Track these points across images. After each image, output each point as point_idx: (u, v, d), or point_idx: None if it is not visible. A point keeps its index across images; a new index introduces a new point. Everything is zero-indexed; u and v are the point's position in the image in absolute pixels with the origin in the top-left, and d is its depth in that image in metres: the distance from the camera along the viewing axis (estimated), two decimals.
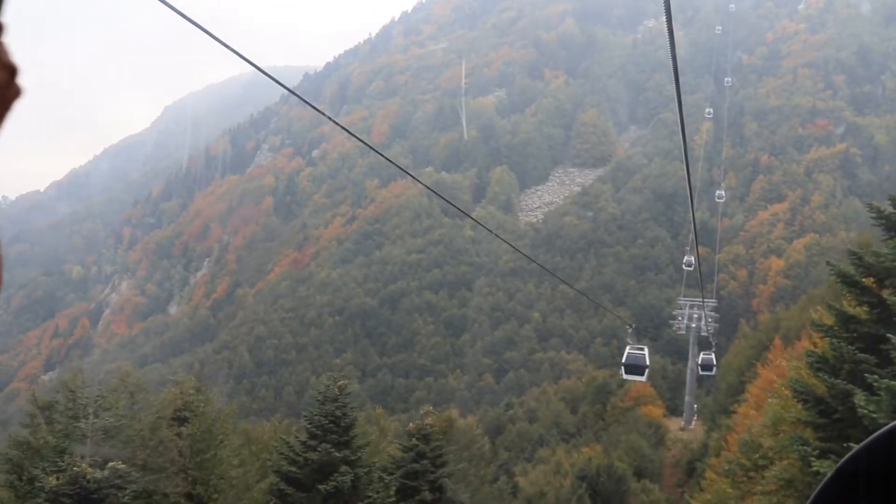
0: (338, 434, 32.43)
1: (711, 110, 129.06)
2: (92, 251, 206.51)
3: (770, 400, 35.18)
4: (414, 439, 37.03)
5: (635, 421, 61.26)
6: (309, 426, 32.89)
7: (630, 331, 45.42)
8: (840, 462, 2.14)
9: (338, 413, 33.31)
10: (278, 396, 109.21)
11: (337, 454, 31.60)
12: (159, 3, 7.18)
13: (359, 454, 33.09)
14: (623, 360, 39.84)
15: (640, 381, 42.84)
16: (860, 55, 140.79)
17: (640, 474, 53.42)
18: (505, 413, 75.74)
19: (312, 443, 32.18)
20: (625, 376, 41.42)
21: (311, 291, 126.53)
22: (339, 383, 35.73)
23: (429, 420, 39.26)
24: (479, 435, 51.57)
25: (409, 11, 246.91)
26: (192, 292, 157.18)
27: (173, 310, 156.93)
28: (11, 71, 1.46)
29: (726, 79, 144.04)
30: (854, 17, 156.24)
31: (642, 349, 40.70)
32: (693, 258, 76.18)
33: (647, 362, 39.63)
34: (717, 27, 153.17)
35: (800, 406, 26.02)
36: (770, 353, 50.77)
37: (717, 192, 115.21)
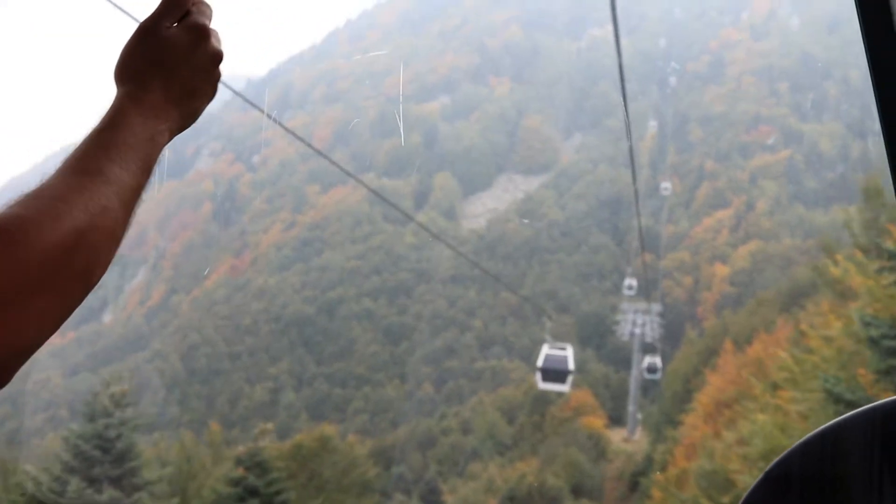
0: (109, 464, 22.22)
1: (656, 123, 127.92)
2: None
3: (758, 416, 30.57)
4: (242, 469, 28.61)
5: (574, 433, 58.51)
6: (64, 453, 21.49)
7: (548, 325, 36.61)
8: (769, 465, 2.09)
9: (110, 434, 23.36)
10: (211, 406, 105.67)
11: (98, 496, 21.13)
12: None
13: (138, 495, 22.66)
14: (539, 364, 32.71)
15: (564, 390, 34.86)
16: (803, 63, 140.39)
17: (578, 491, 50.64)
18: (438, 424, 72.57)
19: (66, 477, 21.02)
20: (541, 384, 33.66)
21: (248, 298, 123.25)
22: (113, 390, 26.21)
23: (265, 443, 30.39)
24: (363, 457, 44.94)
25: (354, 19, 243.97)
26: (126, 300, 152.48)
27: (107, 318, 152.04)
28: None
29: (670, 71, 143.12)
30: (797, 26, 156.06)
31: (564, 349, 33.72)
32: (633, 281, 74.49)
33: (571, 366, 32.81)
34: (660, 44, 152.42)
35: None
36: (720, 358, 48.39)
37: (663, 184, 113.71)
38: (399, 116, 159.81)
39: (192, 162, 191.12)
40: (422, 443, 65.32)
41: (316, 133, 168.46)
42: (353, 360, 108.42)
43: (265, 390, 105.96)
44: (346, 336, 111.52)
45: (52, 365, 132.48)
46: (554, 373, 31.87)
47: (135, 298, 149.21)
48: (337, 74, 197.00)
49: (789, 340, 42.26)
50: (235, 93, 11.32)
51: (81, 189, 1.80)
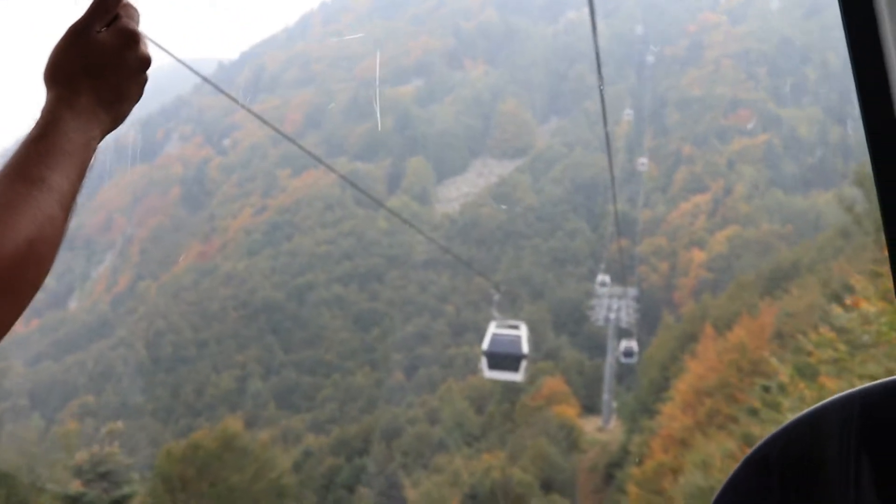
0: None
1: (632, 111, 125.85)
2: None
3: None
4: (79, 482, 23.07)
5: (546, 422, 55.87)
6: None
7: (496, 298, 25.55)
8: (753, 447, 2.14)
9: None
10: (176, 396, 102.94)
11: None
12: None
13: None
14: (484, 347, 25.97)
15: (516, 379, 25.94)
16: (781, 47, 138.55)
17: (548, 485, 48.08)
18: (405, 413, 69.91)
19: None
20: (487, 373, 25.93)
21: (216, 284, 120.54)
22: None
23: (112, 448, 24.16)
24: (272, 458, 40.11)
25: (329, 1, 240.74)
26: (92, 286, 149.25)
27: (73, 304, 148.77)
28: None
29: (648, 55, 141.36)
30: (775, 10, 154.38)
31: (517, 328, 25.92)
32: (607, 278, 72.17)
33: (525, 348, 25.52)
34: (638, 28, 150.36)
35: None
36: (700, 344, 45.90)
37: (640, 160, 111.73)
38: (376, 100, 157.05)
39: (161, 145, 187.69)
40: (387, 433, 62.85)
41: (288, 116, 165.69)
42: (323, 347, 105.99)
43: (232, 378, 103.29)
44: (315, 323, 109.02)
45: (15, 353, 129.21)
46: (503, 358, 24.59)
47: (101, 285, 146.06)
48: (310, 57, 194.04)
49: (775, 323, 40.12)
50: (203, 78, 10.07)
51: (28, 198, 1.84)
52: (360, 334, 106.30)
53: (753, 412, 31.33)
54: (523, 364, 22.03)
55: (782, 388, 22.41)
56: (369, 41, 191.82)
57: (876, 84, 2.12)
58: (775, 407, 23.35)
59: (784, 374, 20.68)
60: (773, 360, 23.38)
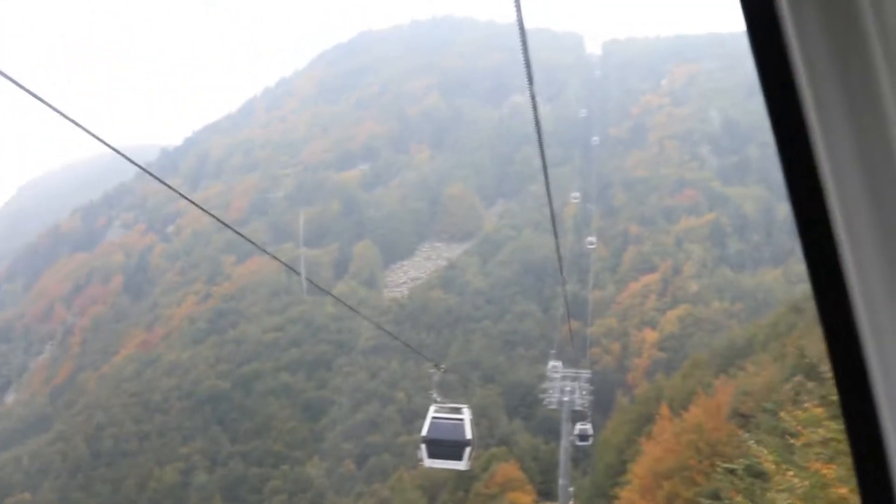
0: None
1: (578, 193, 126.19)
2: None
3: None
4: None
5: None
6: None
7: (437, 379, 23.07)
8: None
9: None
10: (117, 491, 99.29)
11: None
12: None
13: None
14: (423, 433, 23.66)
15: (460, 468, 23.56)
16: (724, 127, 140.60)
17: None
18: None
19: None
20: (427, 461, 23.11)
21: (159, 374, 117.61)
22: None
23: None
24: None
25: (273, 86, 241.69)
26: (30, 378, 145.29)
27: (10, 398, 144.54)
28: None
29: (593, 137, 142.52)
30: (717, 91, 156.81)
31: (459, 411, 23.43)
32: (559, 363, 70.87)
33: (469, 433, 23.08)
34: (582, 111, 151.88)
35: None
36: (655, 425, 44.61)
37: (588, 238, 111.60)
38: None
39: (102, 233, 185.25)
40: None
41: (233, 202, 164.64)
42: (271, 437, 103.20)
43: (176, 471, 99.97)
44: (262, 412, 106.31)
45: None
46: (445, 445, 22.20)
47: (39, 376, 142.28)
48: (254, 143, 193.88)
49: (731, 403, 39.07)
50: (141, 167, 11.18)
51: None
52: (308, 423, 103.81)
53: (715, 496, 30.06)
54: (467, 451, 19.97)
55: (761, 474, 21.02)
56: (314, 126, 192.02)
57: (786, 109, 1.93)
58: (751, 495, 21.84)
59: (766, 458, 19.05)
60: (752, 443, 21.70)
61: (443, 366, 22.87)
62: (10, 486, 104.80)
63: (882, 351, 1.71)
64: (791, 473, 17.35)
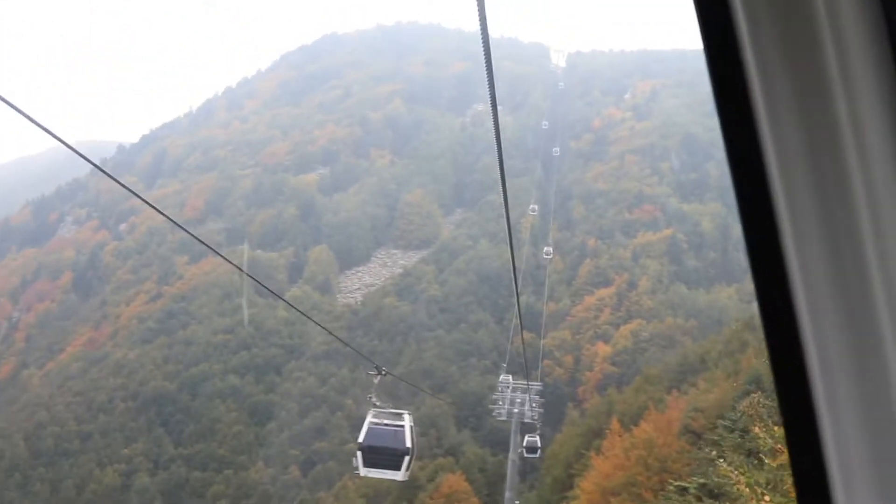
0: None
1: (536, 207, 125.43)
2: None
3: None
4: None
5: None
6: None
7: (377, 380, 21.29)
8: None
9: None
10: (55, 491, 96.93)
11: None
12: None
13: None
14: (360, 439, 20.56)
15: (396, 479, 21.46)
16: (685, 143, 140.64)
17: None
18: None
19: None
20: (362, 470, 21.34)
21: (104, 373, 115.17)
22: None
23: None
24: None
25: (234, 86, 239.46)
26: None
27: None
28: None
29: (554, 149, 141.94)
30: (678, 107, 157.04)
31: (400, 417, 21.63)
32: (509, 377, 69.78)
33: (409, 443, 21.29)
34: (544, 122, 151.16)
35: None
36: (605, 440, 43.61)
37: (545, 248, 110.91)
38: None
39: (53, 229, 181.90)
40: None
41: (189, 202, 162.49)
42: (216, 440, 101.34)
43: (117, 474, 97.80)
44: (209, 415, 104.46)
45: None
46: (382, 454, 20.35)
47: None
48: (213, 143, 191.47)
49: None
50: (93, 164, 10.86)
51: None
52: (254, 428, 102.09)
53: None
54: (406, 461, 18.08)
55: (718, 495, 19.71)
56: (275, 128, 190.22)
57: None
58: None
59: (736, 479, 17.39)
60: (723, 464, 19.98)
61: (384, 369, 21.35)
62: None
63: (825, 362, 1.79)
64: (768, 499, 15.90)
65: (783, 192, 1.83)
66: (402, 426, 20.12)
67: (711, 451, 26.96)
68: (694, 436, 34.98)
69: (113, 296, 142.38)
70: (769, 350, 1.85)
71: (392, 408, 21.34)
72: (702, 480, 22.82)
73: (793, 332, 1.89)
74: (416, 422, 72.59)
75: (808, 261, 1.85)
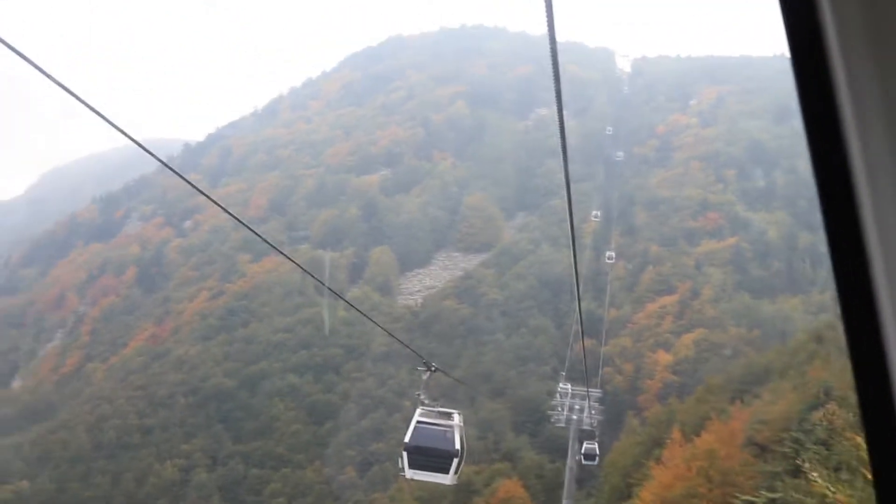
0: None
1: (598, 213, 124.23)
2: None
3: None
4: None
5: None
6: None
7: (426, 377, 19.98)
8: None
9: None
10: (116, 484, 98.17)
11: None
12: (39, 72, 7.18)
13: None
14: (406, 439, 19.07)
15: (443, 482, 19.89)
16: (751, 151, 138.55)
17: None
18: None
19: None
20: (408, 472, 19.04)
21: (166, 369, 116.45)
22: None
23: None
24: None
25: (299, 87, 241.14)
26: (38, 365, 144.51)
27: (17, 384, 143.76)
28: None
29: (618, 153, 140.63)
30: (745, 114, 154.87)
31: (450, 416, 20.19)
32: (568, 386, 68.83)
33: (458, 444, 18.95)
34: (608, 127, 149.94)
35: None
36: (666, 449, 42.77)
37: (608, 252, 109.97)
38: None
39: (119, 225, 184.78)
40: None
41: (252, 200, 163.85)
42: (274, 439, 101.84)
43: (176, 468, 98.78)
44: (267, 413, 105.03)
45: None
46: (430, 455, 18.96)
47: (48, 364, 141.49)
48: (277, 142, 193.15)
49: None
50: (160, 161, 11.06)
51: None
52: (312, 427, 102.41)
53: None
54: (455, 464, 16.72)
55: None
56: (337, 128, 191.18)
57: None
58: None
59: (838, 495, 16.07)
60: (816, 477, 18.37)
61: (434, 365, 20.31)
62: (9, 472, 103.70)
63: None
64: None
65: (869, 198, 1.78)
66: (452, 426, 19.09)
67: (778, 464, 26.25)
68: (758, 448, 34.12)
69: (176, 292, 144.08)
70: (852, 359, 1.77)
71: (435, 404, 20.27)
72: (771, 495, 21.97)
73: (876, 341, 1.82)
74: (474, 426, 72.77)
75: (893, 268, 1.78)
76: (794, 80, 1.87)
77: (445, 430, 19.10)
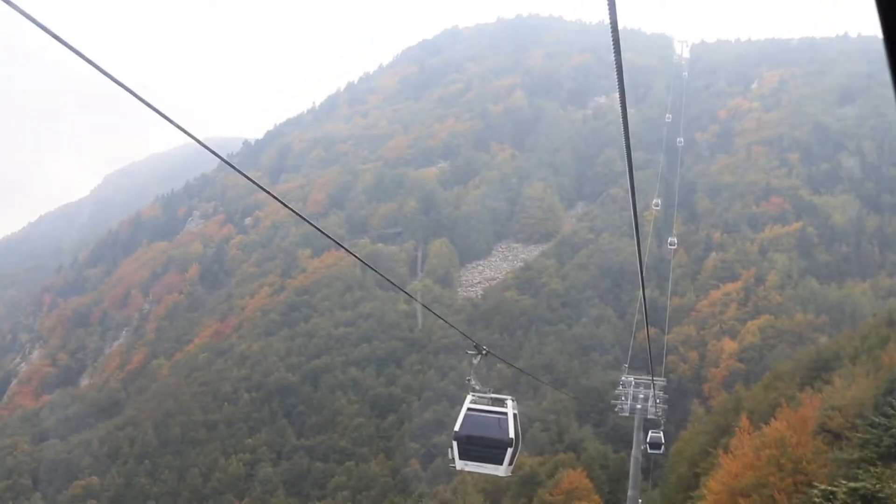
0: None
1: (659, 201, 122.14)
2: (11, 319, 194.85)
3: None
4: None
5: None
6: None
7: (476, 361, 19.46)
8: None
9: None
10: (182, 479, 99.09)
11: None
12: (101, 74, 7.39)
13: None
14: (456, 427, 17.56)
15: (497, 474, 18.30)
16: (815, 134, 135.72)
17: None
18: None
19: None
20: (458, 463, 17.43)
21: (229, 364, 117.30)
22: None
23: None
24: None
25: (356, 82, 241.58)
26: (105, 363, 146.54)
27: (85, 381, 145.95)
28: None
29: (678, 139, 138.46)
30: (808, 97, 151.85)
31: (503, 403, 17.76)
32: (632, 373, 67.56)
33: (512, 433, 17.34)
34: (668, 115, 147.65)
35: None
36: (733, 438, 41.73)
37: (669, 238, 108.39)
38: None
39: (182, 223, 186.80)
40: None
41: (311, 196, 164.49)
42: (337, 432, 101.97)
43: (241, 463, 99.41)
44: (330, 407, 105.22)
45: (22, 430, 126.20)
46: (482, 445, 17.40)
47: (114, 362, 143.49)
48: (335, 137, 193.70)
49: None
50: (221, 158, 11.08)
51: None
52: (375, 420, 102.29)
53: None
54: (509, 454, 15.26)
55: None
56: (395, 122, 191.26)
57: None
58: None
59: None
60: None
61: (485, 348, 18.74)
62: (79, 469, 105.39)
63: None
64: None
65: None
66: (505, 413, 17.61)
67: (854, 451, 25.27)
68: (831, 436, 33.06)
69: (238, 288, 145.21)
70: None
71: (488, 390, 18.63)
72: (853, 485, 20.91)
73: None
74: (538, 417, 72.14)
75: None
76: (887, 60, 1.68)
77: (499, 418, 17.59)
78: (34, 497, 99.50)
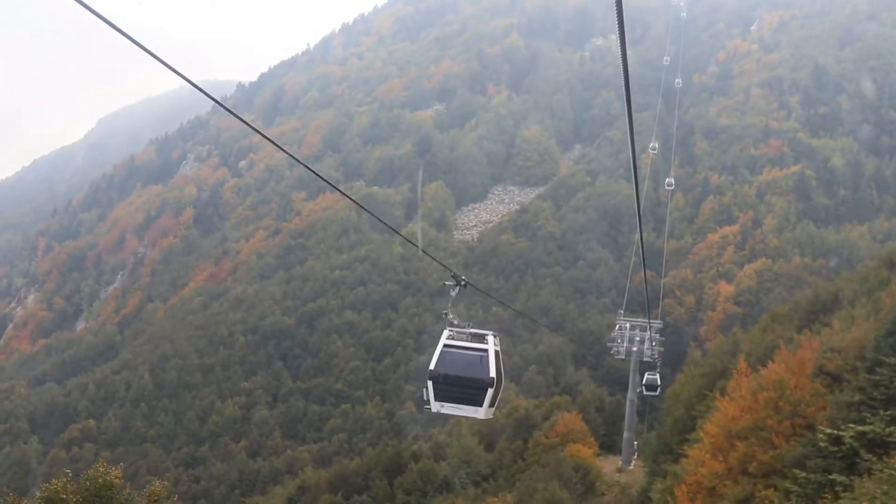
0: None
1: (656, 144, 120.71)
2: (7, 264, 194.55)
3: None
4: None
5: (559, 464, 50.98)
6: None
7: (454, 292, 16.55)
8: None
9: None
10: (179, 422, 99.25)
11: None
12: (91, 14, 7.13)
13: None
14: (431, 366, 15.80)
15: (475, 416, 16.99)
16: (815, 76, 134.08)
17: None
18: (409, 448, 64.80)
19: None
20: (434, 405, 15.87)
21: (225, 308, 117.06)
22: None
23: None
24: None
25: (350, 23, 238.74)
26: (101, 307, 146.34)
27: (81, 325, 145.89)
28: None
29: (676, 80, 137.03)
30: (808, 38, 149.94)
31: (483, 338, 15.80)
32: (628, 316, 66.61)
33: (493, 372, 15.65)
34: (666, 56, 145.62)
35: None
36: (730, 380, 41.24)
37: (667, 179, 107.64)
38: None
39: (176, 166, 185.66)
40: (390, 469, 58.43)
41: (307, 139, 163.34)
42: (333, 375, 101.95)
43: (237, 406, 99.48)
44: (326, 350, 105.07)
45: (19, 374, 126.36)
46: (459, 385, 15.78)
47: (110, 306, 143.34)
48: (330, 79, 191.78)
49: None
50: (215, 101, 10.32)
51: None
52: (371, 363, 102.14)
53: (801, 464, 27.00)
54: (489, 394, 13.73)
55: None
56: (391, 64, 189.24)
57: None
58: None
59: None
60: None
61: (464, 279, 16.57)
62: (76, 412, 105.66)
63: None
64: None
65: None
66: (486, 350, 15.81)
67: (854, 394, 24.72)
68: (830, 378, 32.54)
69: (233, 232, 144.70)
70: None
71: (468, 325, 16.73)
72: (860, 428, 20.33)
73: None
74: (534, 359, 71.63)
75: None
76: None
77: (480, 356, 15.83)
78: (31, 440, 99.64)
